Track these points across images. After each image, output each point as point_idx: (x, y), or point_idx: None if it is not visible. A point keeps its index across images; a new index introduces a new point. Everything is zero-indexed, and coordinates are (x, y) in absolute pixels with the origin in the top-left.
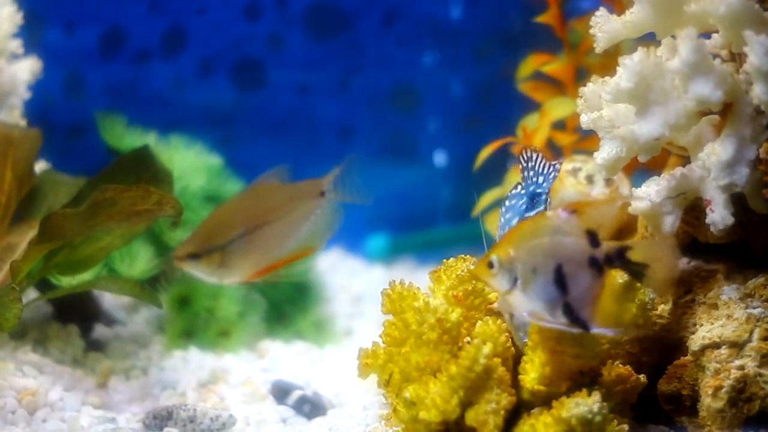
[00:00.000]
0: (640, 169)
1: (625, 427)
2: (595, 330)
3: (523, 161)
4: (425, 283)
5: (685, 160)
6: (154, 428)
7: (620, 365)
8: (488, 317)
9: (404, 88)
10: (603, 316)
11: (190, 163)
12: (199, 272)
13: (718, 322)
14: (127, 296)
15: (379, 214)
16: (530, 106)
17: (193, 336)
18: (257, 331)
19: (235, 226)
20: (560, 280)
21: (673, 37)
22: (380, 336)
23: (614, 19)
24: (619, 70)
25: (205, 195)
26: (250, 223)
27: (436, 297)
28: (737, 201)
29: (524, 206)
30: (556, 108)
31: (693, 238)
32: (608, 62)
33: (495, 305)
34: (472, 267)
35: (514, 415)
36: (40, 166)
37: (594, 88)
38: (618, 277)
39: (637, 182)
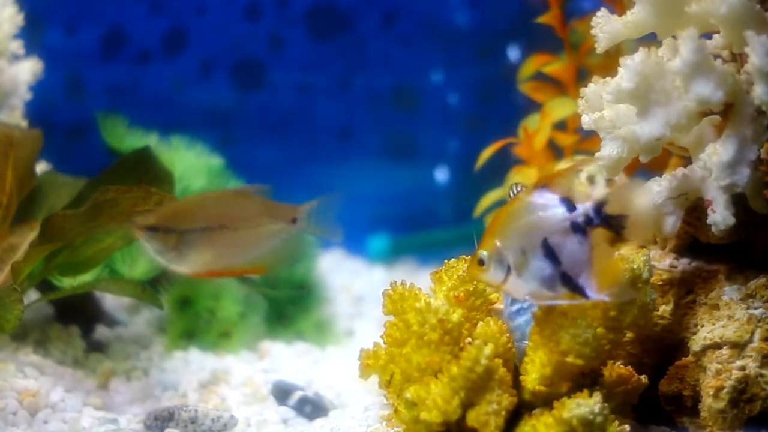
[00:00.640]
0: (641, 169)
1: (627, 427)
2: (595, 297)
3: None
4: (426, 283)
5: (687, 161)
6: (155, 429)
7: (621, 366)
8: (489, 318)
9: (405, 89)
10: (600, 279)
11: (191, 164)
12: (151, 246)
13: (720, 323)
14: (128, 297)
15: (380, 214)
16: (531, 106)
17: (194, 337)
18: (258, 332)
19: (201, 218)
20: (550, 252)
21: (674, 37)
22: (381, 337)
23: (615, 20)
24: (620, 70)
25: None
26: (215, 222)
27: (437, 298)
28: (738, 201)
29: None
30: (558, 108)
31: (694, 238)
32: (609, 63)
33: (496, 306)
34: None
35: (515, 415)
36: (41, 166)
37: (595, 88)
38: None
39: None
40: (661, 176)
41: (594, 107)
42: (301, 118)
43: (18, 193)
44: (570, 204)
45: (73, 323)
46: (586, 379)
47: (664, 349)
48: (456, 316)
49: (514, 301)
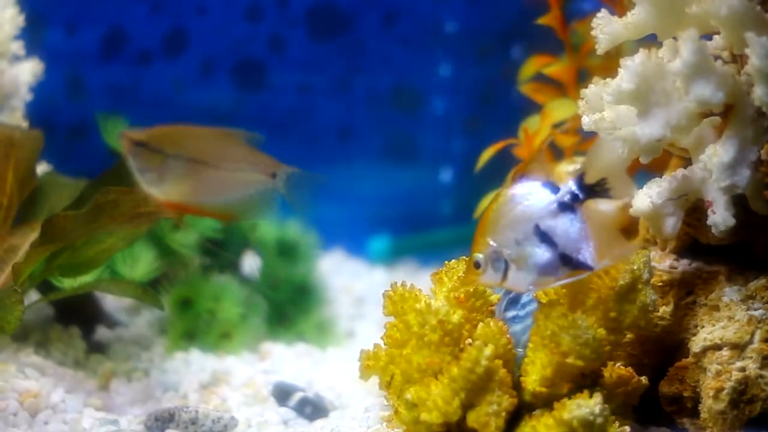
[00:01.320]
0: (641, 170)
1: (627, 428)
2: (599, 265)
3: None
4: (427, 284)
5: (687, 162)
6: (156, 430)
7: (622, 367)
8: (490, 319)
9: (405, 89)
10: (599, 250)
11: None
12: (135, 161)
13: (720, 324)
14: (129, 298)
15: (380, 215)
16: (532, 107)
17: (195, 338)
18: (259, 333)
19: (188, 147)
20: (545, 237)
21: (675, 38)
22: (382, 338)
23: (615, 21)
24: (621, 71)
25: None
26: (200, 155)
27: (437, 299)
28: (739, 202)
29: None
30: (558, 109)
31: (694, 239)
32: (610, 64)
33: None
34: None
35: (516, 416)
36: (42, 167)
37: (595, 89)
38: (620, 279)
39: (638, 184)
40: (661, 177)
41: (594, 108)
42: (302, 118)
43: (19, 194)
44: (552, 186)
45: (74, 324)
46: (586, 380)
47: (664, 350)
48: (456, 317)
49: (509, 306)
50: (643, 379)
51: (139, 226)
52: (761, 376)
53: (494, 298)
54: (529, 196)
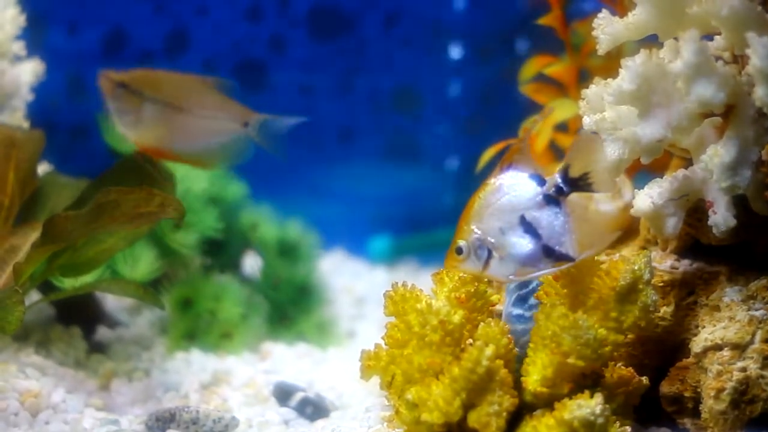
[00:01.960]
0: (642, 171)
1: (628, 429)
2: (580, 257)
3: None
4: (428, 285)
5: (688, 162)
6: (157, 430)
7: (622, 367)
8: (491, 319)
9: (406, 90)
10: (581, 242)
11: None
12: (114, 103)
13: (721, 324)
14: (130, 298)
15: (381, 216)
16: (532, 108)
17: (196, 338)
18: (259, 333)
19: (166, 92)
20: (529, 228)
21: (676, 39)
22: (383, 338)
23: (616, 21)
24: (622, 72)
25: (208, 197)
26: (177, 101)
27: (438, 299)
28: (739, 203)
29: None
30: (559, 110)
31: (695, 239)
32: (610, 64)
33: (497, 307)
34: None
35: (516, 417)
36: (43, 167)
37: (596, 90)
38: (621, 279)
39: (639, 184)
40: (662, 178)
41: (595, 109)
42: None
43: (20, 194)
44: (539, 178)
45: (75, 324)
46: (587, 381)
47: (665, 351)
48: (457, 317)
49: (516, 303)
50: (644, 380)
51: (139, 226)
52: (762, 377)
53: (495, 298)
54: (516, 186)
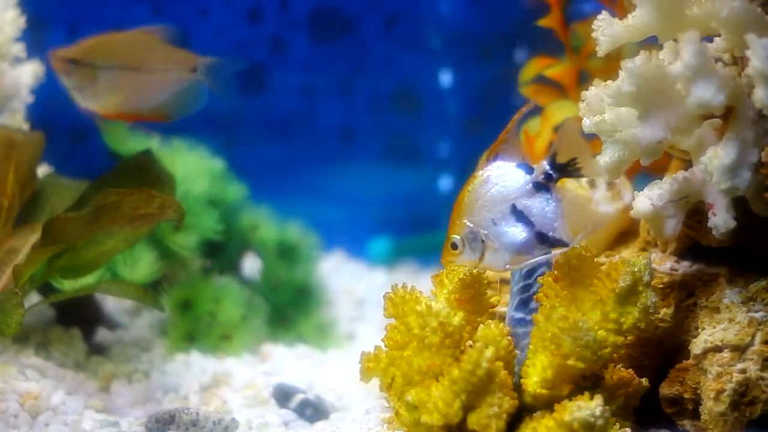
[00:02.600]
0: (642, 172)
1: (628, 430)
2: (574, 241)
3: None
4: (427, 286)
5: (687, 164)
6: None
7: (622, 369)
8: (490, 321)
9: (406, 91)
10: (573, 226)
11: (192, 167)
12: (69, 80)
13: (720, 326)
14: (130, 300)
15: (381, 217)
16: (532, 109)
17: (196, 339)
18: (259, 335)
19: (117, 56)
20: (521, 217)
21: (675, 40)
22: (382, 340)
23: (616, 23)
24: (621, 73)
25: (208, 199)
26: (129, 62)
27: (438, 301)
28: (739, 204)
29: None
30: (559, 111)
31: (695, 241)
32: (610, 66)
33: (497, 309)
34: (474, 271)
35: (516, 418)
36: (43, 169)
37: (596, 91)
38: (621, 281)
39: (639, 186)
40: (662, 179)
41: (595, 110)
42: (303, 120)
43: (20, 195)
44: (527, 167)
45: (75, 326)
46: (587, 382)
47: (665, 352)
48: (457, 319)
49: (519, 307)
50: (644, 381)
51: (139, 227)
52: (762, 378)
53: (494, 299)
54: (505, 177)
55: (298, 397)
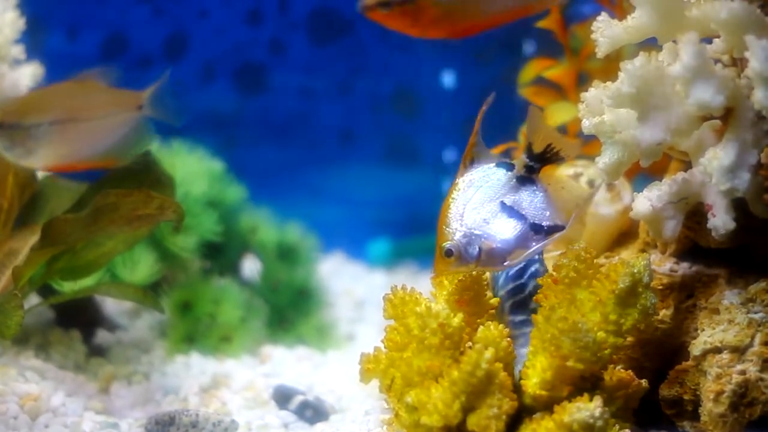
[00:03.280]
0: (641, 174)
1: (627, 431)
2: (568, 224)
3: None
4: (427, 288)
5: (687, 165)
6: None
7: (622, 370)
8: (490, 322)
9: (406, 93)
10: (563, 212)
11: (191, 168)
12: None
13: (720, 327)
14: (129, 301)
15: (380, 219)
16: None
17: (195, 341)
18: (259, 336)
19: (48, 111)
20: (512, 212)
21: (675, 42)
22: (382, 341)
23: (615, 24)
24: (621, 75)
25: (207, 200)
26: (63, 115)
27: (438, 302)
28: (739, 206)
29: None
30: (558, 113)
31: (694, 242)
32: (610, 67)
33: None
34: (474, 273)
35: (516, 420)
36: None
37: (595, 93)
38: (620, 282)
39: (638, 187)
40: (661, 181)
41: (594, 112)
42: (302, 122)
43: (19, 197)
44: (506, 164)
45: (74, 327)
46: (586, 383)
47: (664, 354)
48: (456, 320)
49: (516, 310)
50: (644, 382)
51: (138, 228)
52: (761, 379)
53: (494, 301)
54: (487, 177)
55: (298, 399)
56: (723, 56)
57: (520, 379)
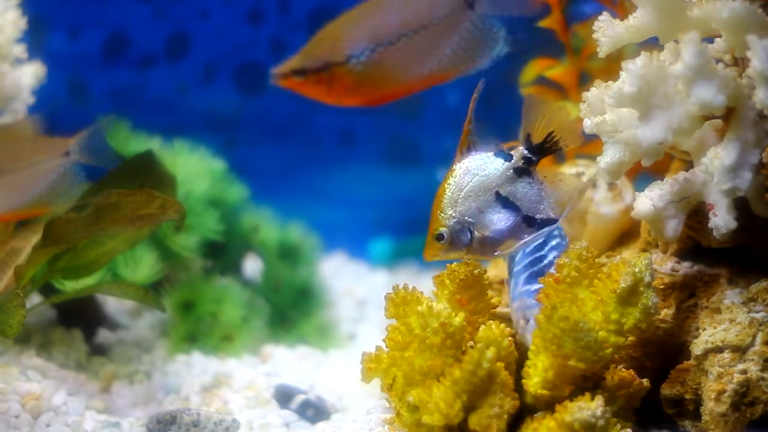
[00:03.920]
0: (643, 173)
1: (629, 431)
2: (561, 217)
3: None
4: (429, 287)
5: (688, 165)
6: None
7: (623, 369)
8: (491, 321)
9: None
10: (557, 205)
11: (193, 168)
12: None
13: (721, 327)
14: (131, 300)
15: (382, 219)
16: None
17: (197, 340)
18: (260, 336)
19: None
20: (506, 203)
21: (676, 41)
22: (384, 340)
23: (617, 24)
24: (622, 74)
25: (209, 199)
26: None
27: (439, 301)
28: (740, 205)
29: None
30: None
31: (696, 242)
32: (611, 67)
33: (499, 309)
34: (475, 272)
35: (517, 419)
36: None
37: (597, 92)
38: (622, 281)
39: (640, 186)
40: (663, 180)
41: (596, 111)
42: (304, 122)
43: None
44: (505, 154)
45: (76, 327)
46: (588, 383)
47: (666, 353)
48: (458, 319)
49: (531, 280)
50: (645, 382)
51: (140, 228)
52: (763, 379)
53: (495, 300)
54: (484, 166)
55: (299, 398)
56: (724, 56)
57: (522, 378)
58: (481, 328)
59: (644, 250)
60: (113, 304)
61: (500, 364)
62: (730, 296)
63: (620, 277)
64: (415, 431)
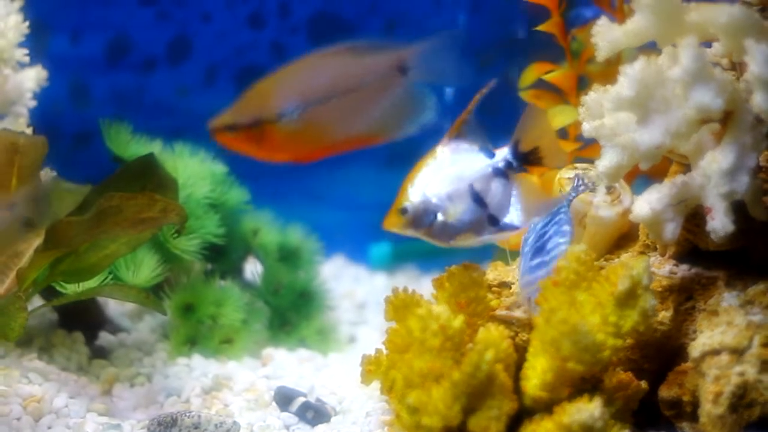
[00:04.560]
0: (641, 176)
1: None
2: (523, 225)
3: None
4: (428, 290)
5: (686, 168)
6: None
7: (621, 371)
8: (490, 324)
9: None
10: (524, 214)
11: (194, 171)
12: None
13: (719, 329)
14: (132, 303)
15: (381, 222)
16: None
17: (197, 343)
18: (261, 339)
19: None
20: (477, 197)
21: (674, 45)
22: (383, 343)
23: (616, 28)
24: (621, 78)
25: (209, 203)
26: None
27: (439, 304)
28: (738, 208)
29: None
30: (558, 116)
31: (694, 245)
32: (610, 71)
33: (498, 311)
34: (474, 275)
35: (516, 421)
36: (46, 174)
37: (596, 96)
38: (619, 284)
39: (638, 190)
40: (661, 183)
41: (595, 115)
42: None
43: None
44: (488, 151)
45: (77, 329)
46: (586, 385)
47: (663, 355)
48: (457, 322)
49: (535, 254)
50: (643, 384)
51: (142, 231)
52: (760, 381)
53: (494, 303)
54: (466, 157)
55: (300, 401)
56: (722, 60)
57: (521, 380)
58: (480, 330)
59: (642, 253)
60: (114, 307)
61: (499, 366)
62: (727, 299)
63: (618, 280)
64: None
